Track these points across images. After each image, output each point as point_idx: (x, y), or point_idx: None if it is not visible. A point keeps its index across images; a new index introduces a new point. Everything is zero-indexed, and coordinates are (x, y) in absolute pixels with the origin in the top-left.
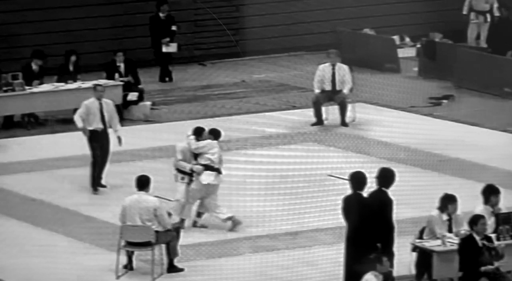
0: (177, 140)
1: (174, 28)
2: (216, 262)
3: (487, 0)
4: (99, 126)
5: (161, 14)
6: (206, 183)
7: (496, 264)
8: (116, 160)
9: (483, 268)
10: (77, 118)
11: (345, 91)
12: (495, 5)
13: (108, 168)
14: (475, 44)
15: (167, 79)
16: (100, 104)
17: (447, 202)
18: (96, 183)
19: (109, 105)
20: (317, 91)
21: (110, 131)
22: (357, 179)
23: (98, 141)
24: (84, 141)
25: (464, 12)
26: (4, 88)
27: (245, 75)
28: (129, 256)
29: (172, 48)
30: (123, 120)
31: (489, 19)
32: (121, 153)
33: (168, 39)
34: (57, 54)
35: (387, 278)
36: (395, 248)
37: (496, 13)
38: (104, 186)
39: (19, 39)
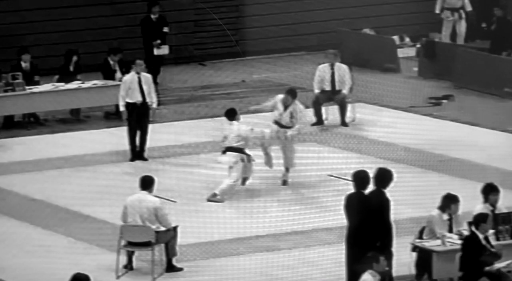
0: (176, 140)
1: (165, 29)
2: (216, 262)
3: None
4: (139, 99)
5: (152, 16)
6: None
7: (499, 265)
8: (117, 160)
9: (487, 268)
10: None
11: (345, 91)
12: (466, 0)
13: (104, 168)
14: (450, 41)
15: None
16: (139, 78)
17: (450, 202)
18: (136, 155)
19: (147, 79)
20: (317, 91)
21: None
22: (360, 178)
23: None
24: (84, 141)
25: (437, 11)
26: (4, 88)
27: (245, 75)
28: (129, 256)
29: (163, 50)
30: (123, 120)
31: (463, 15)
32: (121, 153)
33: (159, 41)
34: (57, 54)
35: (385, 278)
36: (394, 248)
37: (468, 8)
38: (145, 159)
39: (19, 39)
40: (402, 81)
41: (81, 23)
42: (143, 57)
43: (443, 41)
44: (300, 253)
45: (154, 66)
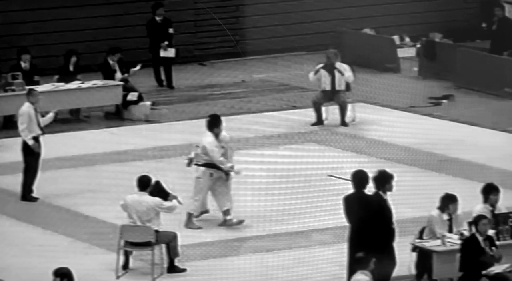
0: (177, 140)
1: (171, 31)
2: (216, 262)
3: None
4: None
5: (157, 18)
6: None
7: (499, 269)
8: (117, 160)
9: (484, 272)
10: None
11: (347, 74)
12: None
13: (104, 168)
14: None
15: (164, 83)
16: (35, 109)
17: (448, 201)
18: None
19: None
20: (312, 76)
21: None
22: (358, 178)
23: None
24: (84, 141)
25: None
26: (4, 88)
27: (245, 75)
28: (127, 255)
29: (170, 53)
30: (123, 120)
31: None
32: (121, 153)
33: (166, 42)
34: (57, 54)
35: (381, 278)
36: (382, 249)
37: None
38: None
39: (19, 39)
40: (402, 81)
41: (81, 23)
42: (148, 58)
43: None
44: (299, 254)
45: (160, 69)
